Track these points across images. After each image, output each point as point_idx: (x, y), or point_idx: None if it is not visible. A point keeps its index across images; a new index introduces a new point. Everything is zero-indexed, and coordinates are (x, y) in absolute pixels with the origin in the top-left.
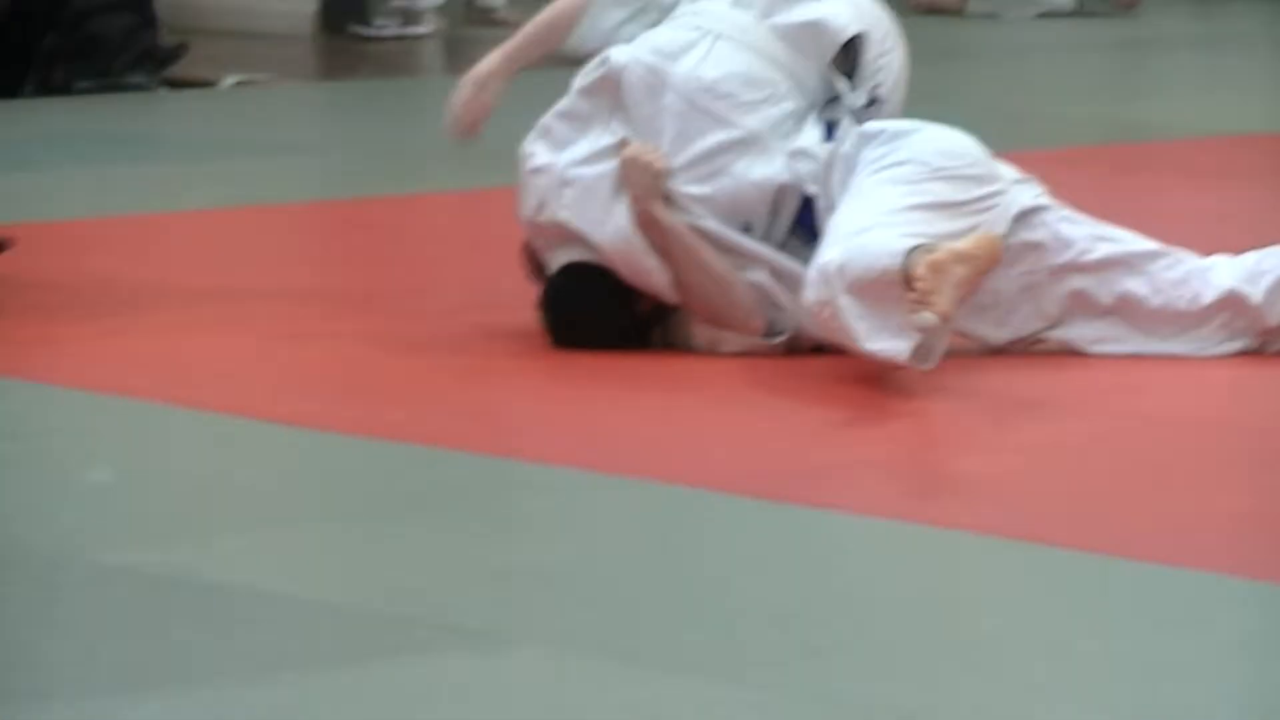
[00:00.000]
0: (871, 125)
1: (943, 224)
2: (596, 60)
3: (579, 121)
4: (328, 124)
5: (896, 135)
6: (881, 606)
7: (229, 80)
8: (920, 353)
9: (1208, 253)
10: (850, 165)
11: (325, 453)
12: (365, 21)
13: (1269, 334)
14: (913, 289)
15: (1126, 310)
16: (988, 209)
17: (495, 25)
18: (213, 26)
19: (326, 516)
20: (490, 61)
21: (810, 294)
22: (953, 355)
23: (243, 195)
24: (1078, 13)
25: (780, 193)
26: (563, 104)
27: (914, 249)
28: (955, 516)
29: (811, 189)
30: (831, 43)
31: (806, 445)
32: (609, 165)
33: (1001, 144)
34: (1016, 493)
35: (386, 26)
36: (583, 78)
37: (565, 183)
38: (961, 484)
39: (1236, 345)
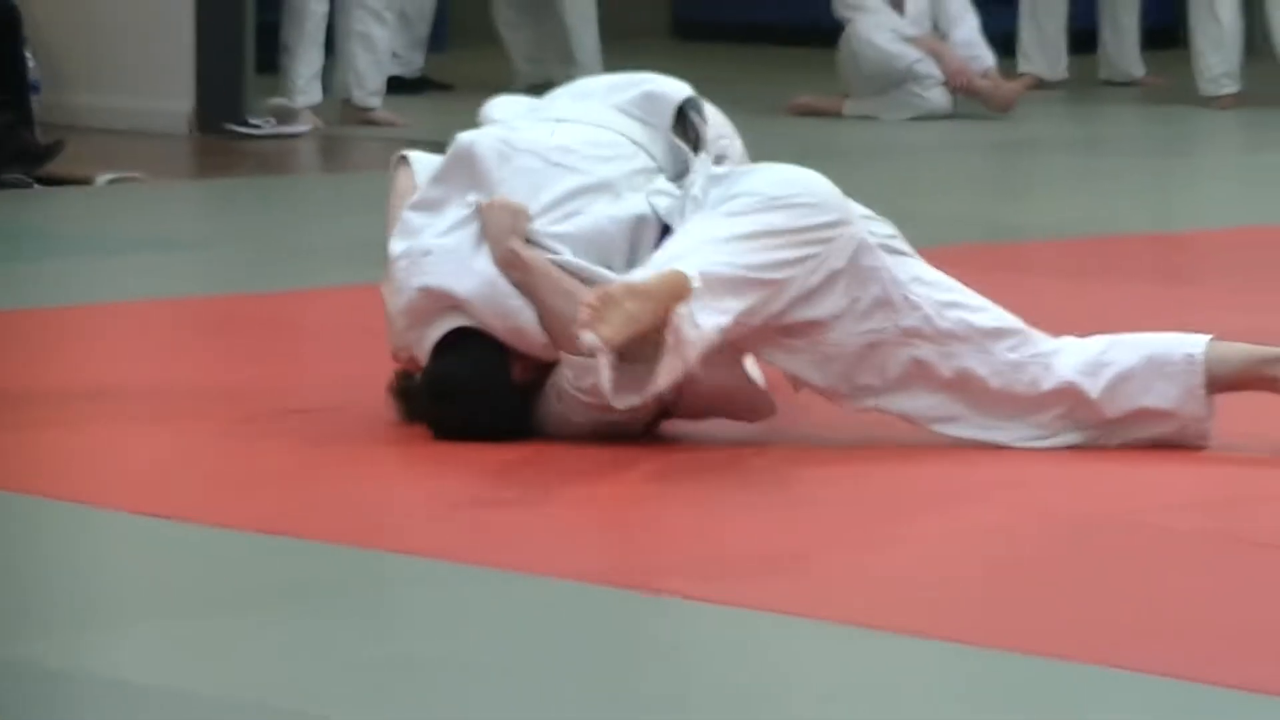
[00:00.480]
0: (719, 169)
1: (771, 253)
2: (446, 153)
3: (434, 206)
4: (204, 221)
5: (741, 174)
6: (758, 700)
7: (104, 178)
8: (616, 388)
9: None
10: (699, 206)
11: (197, 545)
12: (241, 120)
13: (1106, 426)
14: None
15: (964, 387)
16: (826, 240)
17: (372, 125)
18: (88, 124)
19: (198, 609)
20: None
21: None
22: (829, 443)
23: (118, 291)
24: (954, 115)
25: (638, 225)
26: (415, 197)
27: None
28: (833, 609)
29: (669, 221)
30: (668, 106)
31: (681, 537)
32: (470, 229)
33: None
34: (903, 585)
35: (262, 125)
36: (438, 167)
37: (425, 252)
38: (841, 575)
39: (1075, 437)
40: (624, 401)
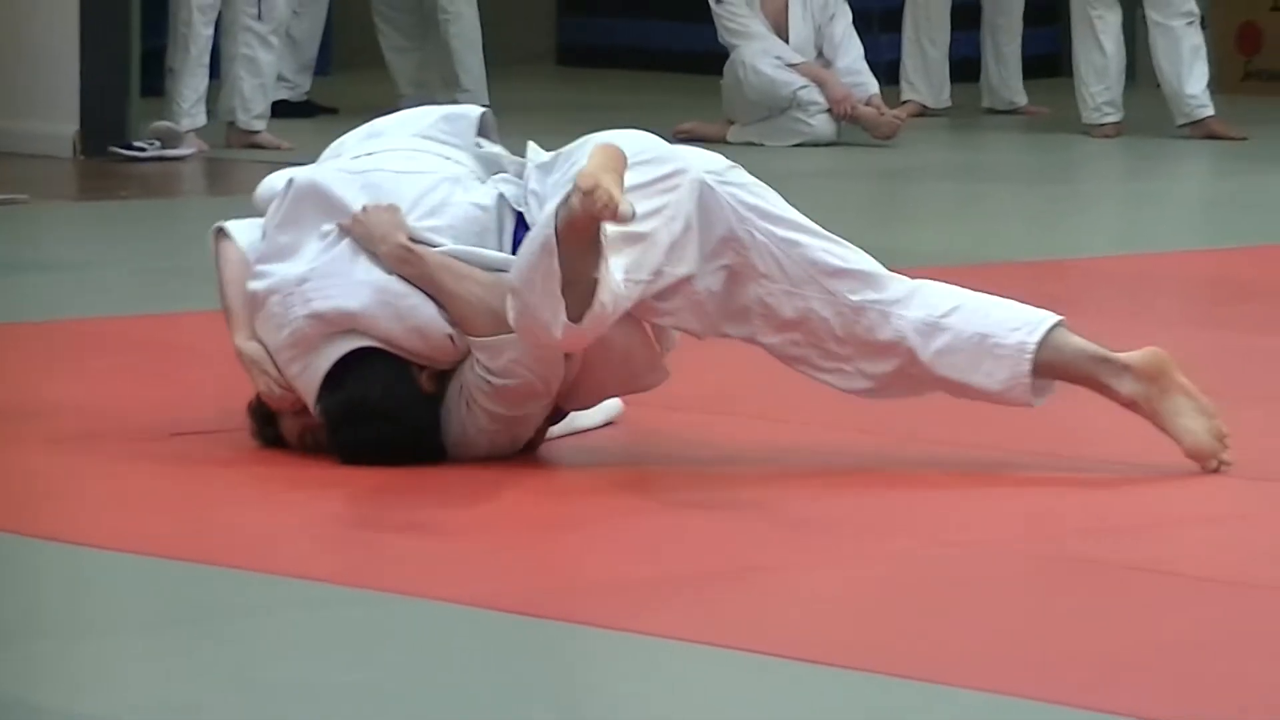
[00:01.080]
0: (543, 156)
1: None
2: (277, 199)
3: (286, 251)
4: (87, 243)
5: (569, 152)
6: None
7: None
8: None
9: None
10: (541, 199)
11: (86, 568)
12: (126, 143)
13: (931, 383)
14: (591, 212)
15: (806, 326)
16: (673, 187)
17: (257, 148)
18: None
19: (89, 632)
20: (245, 343)
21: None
22: (725, 464)
23: (1, 312)
24: (838, 142)
25: (500, 208)
26: (262, 250)
27: (556, 209)
28: (727, 635)
29: (520, 207)
30: (468, 123)
31: (569, 561)
32: (338, 249)
33: None
34: (800, 612)
35: (147, 148)
36: (271, 217)
37: (301, 280)
38: (737, 601)
39: (902, 393)
40: (567, 331)
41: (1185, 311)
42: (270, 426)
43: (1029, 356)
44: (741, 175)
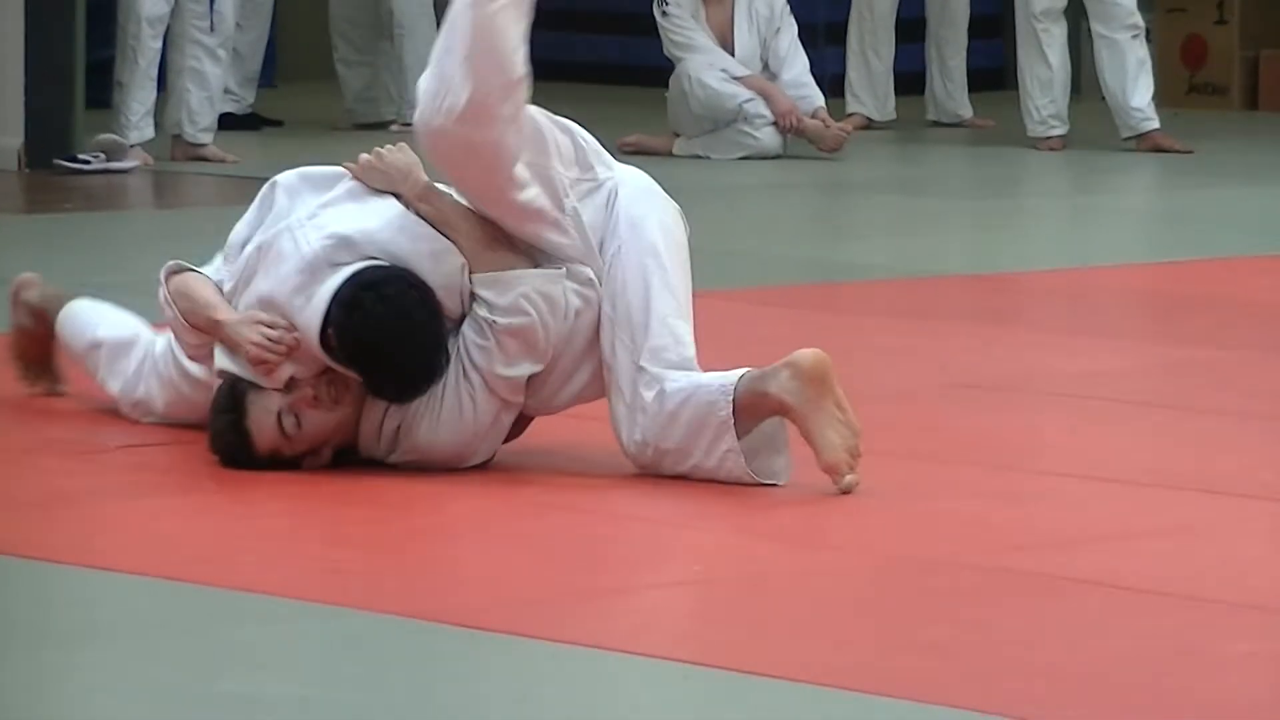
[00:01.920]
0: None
1: None
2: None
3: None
4: (31, 256)
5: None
6: None
7: None
8: None
9: (902, 392)
10: None
11: (30, 581)
12: (71, 155)
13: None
14: None
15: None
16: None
17: (203, 161)
18: None
19: (33, 644)
20: (229, 313)
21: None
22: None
23: None
24: (784, 155)
25: None
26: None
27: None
28: (633, 642)
29: None
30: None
31: (530, 575)
32: (347, 189)
33: (709, 282)
34: (731, 623)
35: (92, 160)
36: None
37: (312, 215)
38: (667, 611)
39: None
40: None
41: (1129, 325)
42: (235, 413)
43: (730, 422)
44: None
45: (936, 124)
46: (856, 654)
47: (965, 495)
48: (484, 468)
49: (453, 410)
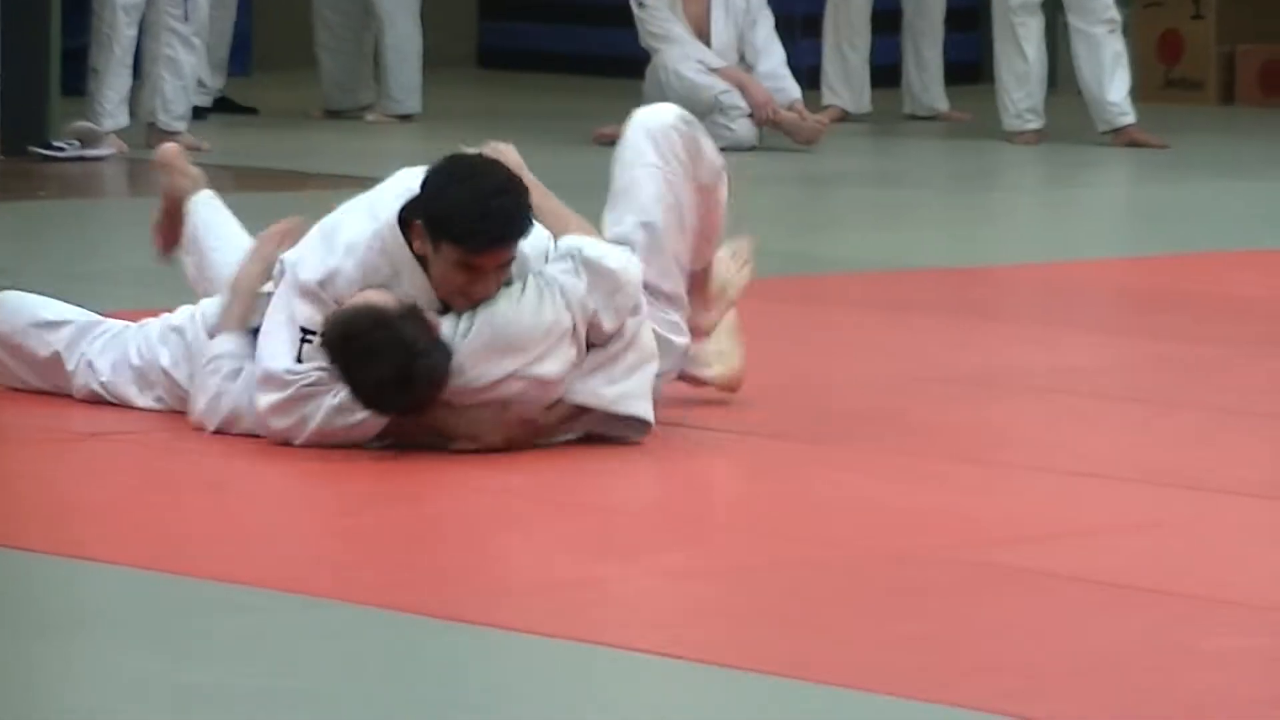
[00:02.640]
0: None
1: None
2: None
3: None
4: (5, 243)
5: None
6: None
7: None
8: None
9: (878, 385)
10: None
11: None
12: (45, 142)
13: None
14: None
15: None
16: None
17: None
18: None
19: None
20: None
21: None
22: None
23: None
24: (759, 147)
25: None
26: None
27: None
28: (612, 635)
29: None
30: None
31: (501, 566)
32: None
33: None
34: (707, 615)
35: (66, 148)
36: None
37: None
38: (664, 607)
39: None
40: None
41: (1105, 319)
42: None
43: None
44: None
45: (912, 117)
46: (834, 648)
47: (942, 490)
48: (464, 462)
49: (533, 299)
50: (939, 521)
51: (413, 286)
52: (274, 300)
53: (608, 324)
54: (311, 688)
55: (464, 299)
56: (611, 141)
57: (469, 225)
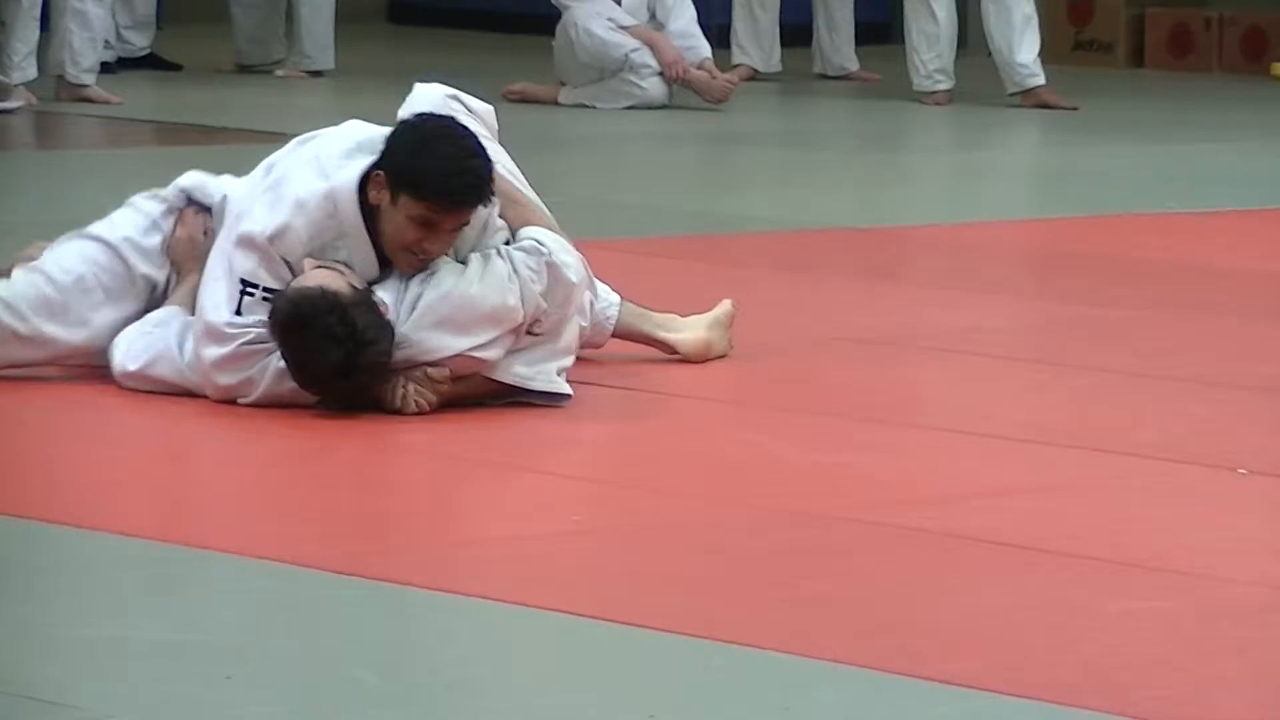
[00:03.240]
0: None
1: None
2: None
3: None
4: None
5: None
6: (477, 684)
7: None
8: None
9: (784, 345)
10: None
11: None
12: None
13: None
14: None
15: None
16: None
17: (86, 101)
18: None
19: None
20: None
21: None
22: (568, 428)
23: None
24: (670, 105)
25: None
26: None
27: None
28: (515, 592)
29: None
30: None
31: (410, 523)
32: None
33: (593, 232)
34: (635, 577)
35: None
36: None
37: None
38: (571, 566)
39: None
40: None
41: (1012, 281)
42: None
43: (611, 324)
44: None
45: (823, 77)
46: (736, 607)
47: (845, 449)
48: (372, 418)
49: (494, 285)
50: (842, 481)
51: (355, 252)
52: (215, 248)
53: (547, 323)
54: (214, 640)
55: (410, 257)
56: (521, 99)
57: (441, 181)
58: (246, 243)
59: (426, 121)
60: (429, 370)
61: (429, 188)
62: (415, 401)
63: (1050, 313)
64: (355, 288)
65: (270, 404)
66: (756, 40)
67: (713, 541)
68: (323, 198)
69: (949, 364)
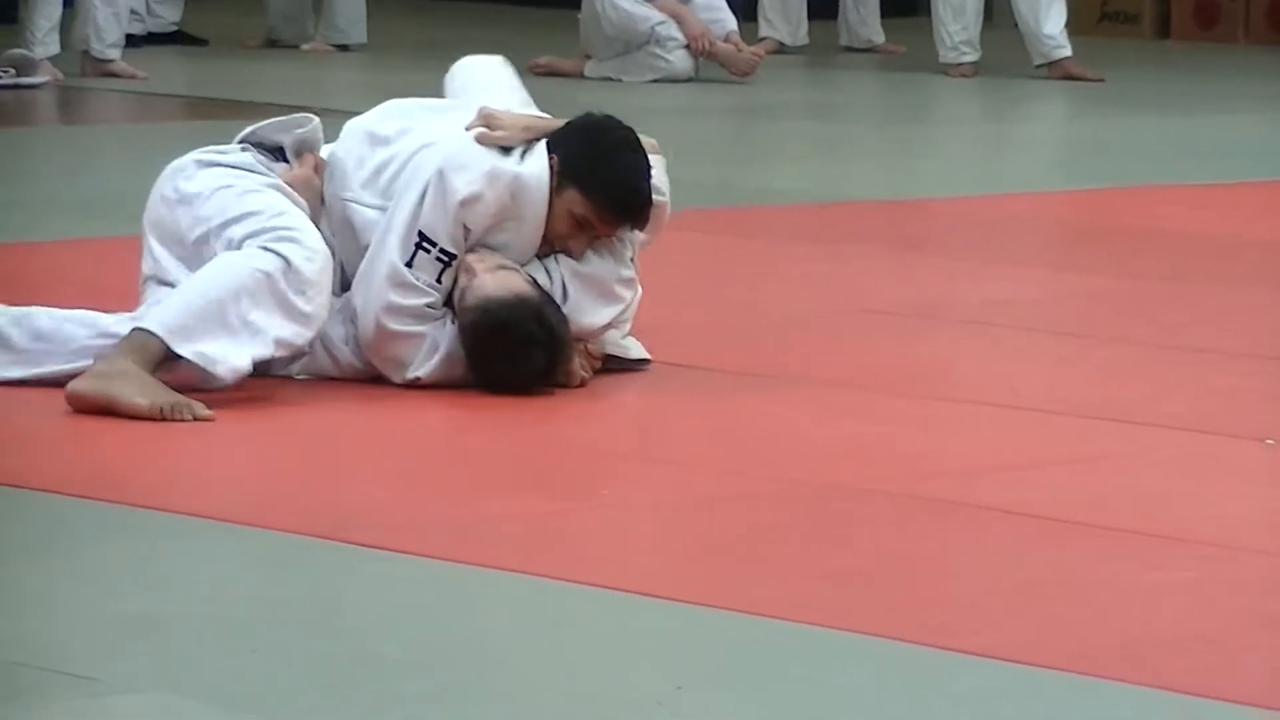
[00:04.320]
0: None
1: None
2: None
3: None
4: None
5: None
6: (504, 657)
7: None
8: None
9: (812, 317)
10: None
11: None
12: None
13: None
14: None
15: None
16: None
17: (112, 77)
18: None
19: None
20: None
21: None
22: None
23: None
24: (696, 78)
25: None
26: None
27: None
28: (547, 567)
29: None
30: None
31: (419, 496)
32: None
33: None
34: (632, 547)
35: (2, 76)
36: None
37: None
38: (568, 536)
39: None
40: None
41: (1040, 253)
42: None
43: None
44: None
45: (849, 49)
46: (764, 579)
47: (875, 421)
48: (390, 392)
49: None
50: (870, 454)
51: (522, 238)
52: (404, 193)
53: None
54: (238, 615)
55: (548, 246)
56: (548, 73)
57: (619, 194)
58: (442, 199)
59: (610, 124)
60: (589, 346)
61: (603, 195)
62: (581, 376)
63: (1077, 285)
64: (535, 284)
65: (427, 383)
66: (783, 13)
67: (739, 514)
68: (512, 179)
69: (976, 336)
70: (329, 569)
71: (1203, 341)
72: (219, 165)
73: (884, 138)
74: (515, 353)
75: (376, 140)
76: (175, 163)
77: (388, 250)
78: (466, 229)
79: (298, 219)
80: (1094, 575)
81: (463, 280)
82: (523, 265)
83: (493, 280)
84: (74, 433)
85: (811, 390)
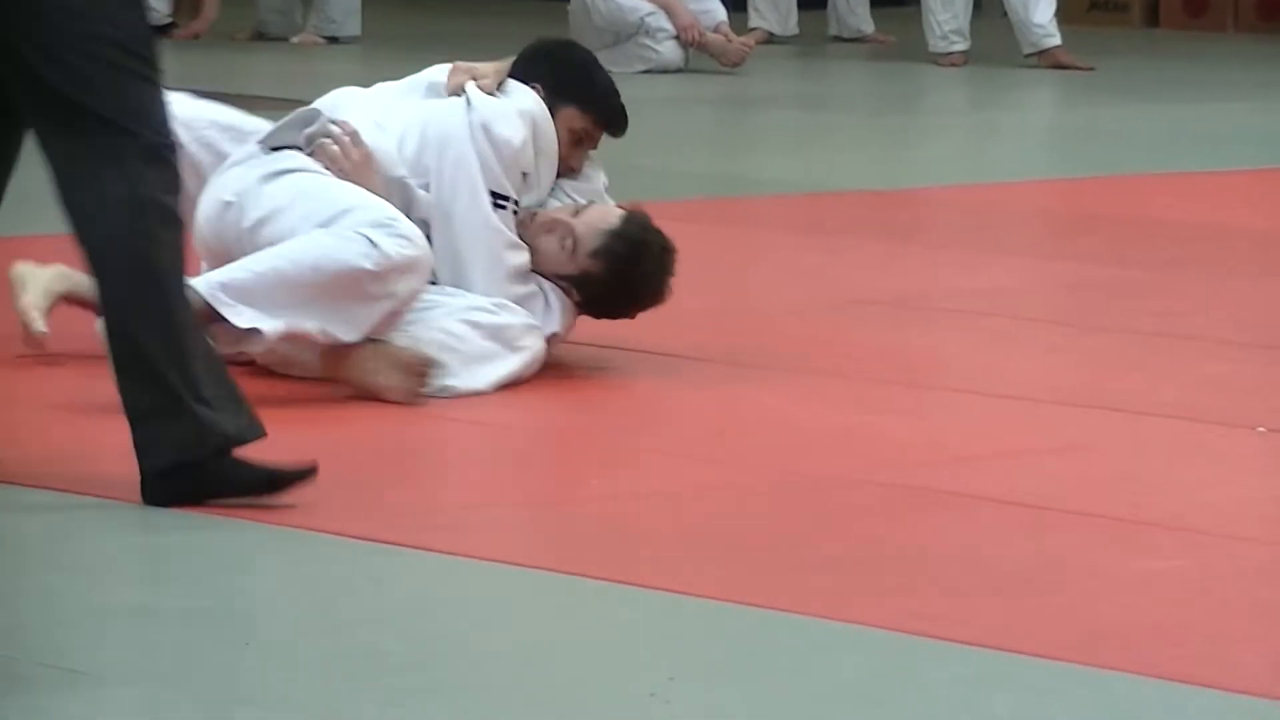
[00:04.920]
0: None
1: None
2: None
3: None
4: None
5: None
6: (497, 647)
7: None
8: None
9: (802, 307)
10: None
11: None
12: None
13: None
14: None
15: None
16: None
17: None
18: None
19: None
20: None
21: None
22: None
23: None
24: (685, 69)
25: None
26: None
27: None
28: (539, 558)
29: None
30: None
31: (411, 486)
32: None
33: (609, 196)
34: (629, 537)
35: None
36: None
37: None
38: (559, 528)
39: None
40: None
41: (1029, 242)
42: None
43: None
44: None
45: (838, 39)
46: (754, 569)
47: (864, 411)
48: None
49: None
50: (860, 444)
51: (545, 173)
52: (451, 168)
53: None
54: (233, 607)
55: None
56: None
57: (614, 101)
58: (502, 148)
59: (567, 44)
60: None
61: (603, 103)
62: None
63: (1067, 273)
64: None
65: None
66: (773, 3)
67: (731, 505)
68: (532, 116)
69: (965, 325)
70: (322, 562)
71: (1192, 329)
72: (286, 173)
73: (874, 128)
74: (666, 259)
75: (380, 126)
76: (227, 188)
77: (480, 221)
78: (524, 174)
79: (388, 207)
80: (1085, 563)
81: (561, 237)
82: (539, 205)
83: (592, 217)
84: (61, 426)
85: (801, 380)
